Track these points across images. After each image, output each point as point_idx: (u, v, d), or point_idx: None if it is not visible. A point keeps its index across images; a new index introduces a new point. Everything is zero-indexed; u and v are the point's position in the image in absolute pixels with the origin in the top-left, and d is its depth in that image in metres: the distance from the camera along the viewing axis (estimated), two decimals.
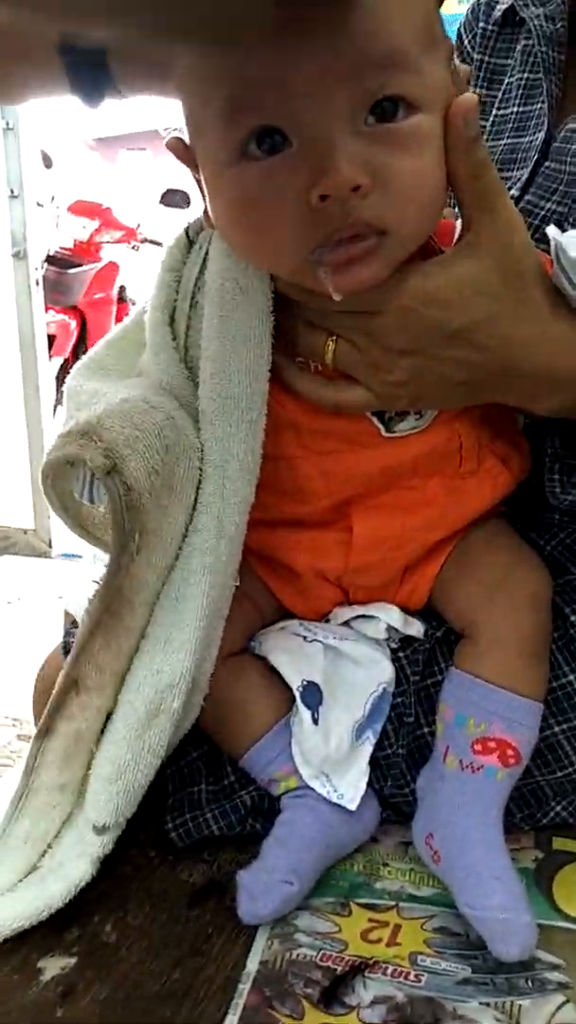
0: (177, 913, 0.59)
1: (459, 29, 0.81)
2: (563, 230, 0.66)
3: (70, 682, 0.57)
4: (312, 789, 0.61)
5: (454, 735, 0.60)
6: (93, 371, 0.62)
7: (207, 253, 0.56)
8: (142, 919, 0.58)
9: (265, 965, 0.54)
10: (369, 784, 0.62)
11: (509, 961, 0.53)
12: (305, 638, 0.65)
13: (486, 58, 0.77)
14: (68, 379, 0.62)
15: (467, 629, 0.63)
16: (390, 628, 0.65)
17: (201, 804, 0.65)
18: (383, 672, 0.64)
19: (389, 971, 0.54)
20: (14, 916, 0.56)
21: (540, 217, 0.68)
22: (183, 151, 0.51)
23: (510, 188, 0.71)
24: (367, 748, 0.62)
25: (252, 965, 0.54)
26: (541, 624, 0.62)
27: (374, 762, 0.63)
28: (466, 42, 0.79)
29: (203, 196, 0.52)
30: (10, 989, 0.53)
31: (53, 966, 0.54)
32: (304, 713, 0.61)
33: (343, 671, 0.64)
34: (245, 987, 0.52)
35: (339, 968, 0.54)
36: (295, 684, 0.62)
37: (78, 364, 0.63)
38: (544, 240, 0.68)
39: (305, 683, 0.62)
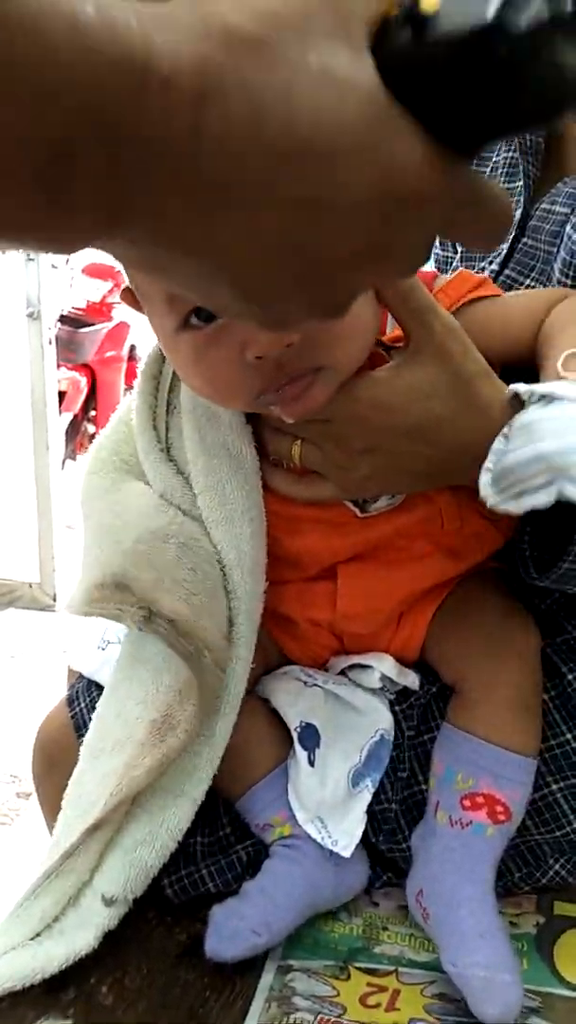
0: (174, 975, 0.58)
1: None
2: None
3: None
4: (304, 841, 0.61)
5: (444, 790, 0.61)
6: (104, 462, 0.66)
7: None
8: (139, 981, 0.58)
9: None
10: (361, 840, 0.62)
11: (492, 1022, 0.53)
12: (305, 683, 0.66)
13: None
14: (83, 477, 0.66)
15: (458, 684, 0.63)
16: (384, 678, 0.66)
17: (196, 859, 0.65)
18: (381, 719, 0.64)
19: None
20: (8, 976, 0.56)
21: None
22: (135, 303, 0.54)
23: (490, 262, 0.74)
24: (365, 797, 0.62)
25: None
26: (531, 679, 0.62)
27: (369, 815, 0.63)
28: None
29: None
30: None
31: None
32: (301, 754, 0.62)
33: (342, 716, 0.64)
34: None
35: None
36: (293, 725, 0.63)
37: (88, 460, 0.67)
38: None
39: (303, 724, 0.63)
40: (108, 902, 0.59)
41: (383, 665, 0.66)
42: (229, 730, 0.61)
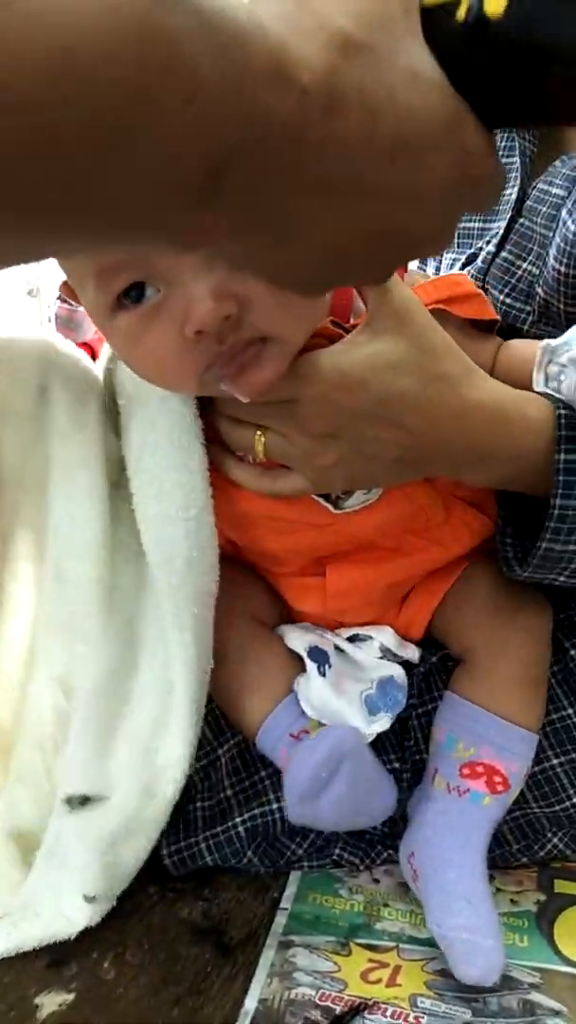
0: (176, 951, 0.58)
1: None
2: (535, 292, 0.69)
3: None
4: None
5: (443, 757, 0.61)
6: None
7: None
8: (141, 957, 0.58)
9: (264, 1003, 0.54)
10: (374, 855, 0.64)
11: (471, 983, 0.54)
12: (317, 634, 0.66)
13: None
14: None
15: (465, 654, 0.64)
16: (384, 648, 0.66)
17: (195, 827, 0.65)
18: (392, 668, 0.64)
19: (389, 1012, 0.54)
20: None
21: (517, 277, 0.70)
22: (72, 294, 0.53)
23: (488, 241, 0.73)
24: (382, 725, 0.62)
25: (251, 1003, 0.54)
26: (540, 655, 0.62)
27: None
28: None
29: None
30: None
31: (51, 1003, 0.54)
32: (311, 667, 0.62)
33: (351, 659, 0.65)
34: None
35: (338, 1008, 0.54)
36: (302, 649, 0.63)
37: None
38: (521, 296, 0.70)
39: (312, 647, 0.63)
40: (89, 900, 0.59)
41: (383, 636, 0.66)
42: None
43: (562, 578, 0.58)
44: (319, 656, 0.63)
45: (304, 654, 0.63)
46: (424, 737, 0.65)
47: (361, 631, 0.66)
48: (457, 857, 0.58)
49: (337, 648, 0.65)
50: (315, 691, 0.61)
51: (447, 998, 0.55)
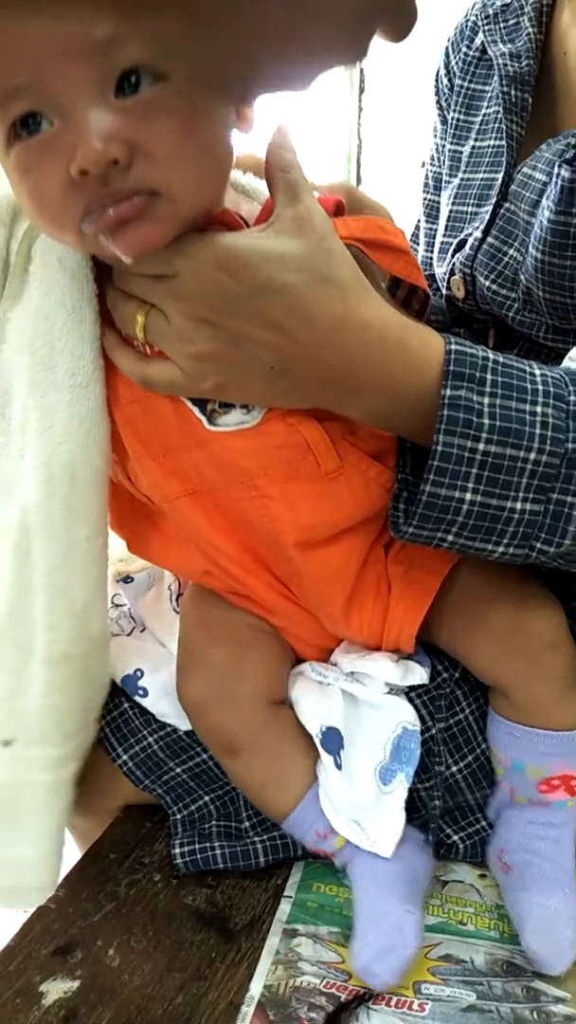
0: (181, 938, 0.59)
1: (447, 46, 0.82)
2: (519, 279, 0.67)
3: None
4: None
5: (517, 779, 0.62)
6: None
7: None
8: (146, 943, 0.58)
9: (269, 989, 0.54)
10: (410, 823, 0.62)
11: (538, 959, 0.56)
12: (321, 682, 0.65)
13: (465, 84, 0.78)
14: None
15: (496, 685, 0.63)
16: (389, 684, 0.64)
17: (211, 838, 0.65)
18: (402, 712, 0.63)
19: (392, 1002, 0.54)
20: None
21: (503, 263, 0.69)
22: None
23: (479, 226, 0.72)
24: (400, 793, 0.61)
25: (256, 989, 0.54)
26: (566, 659, 0.61)
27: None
28: (452, 62, 0.80)
29: None
30: (12, 1013, 0.53)
31: (56, 990, 0.54)
32: (326, 759, 0.61)
33: (362, 714, 0.64)
34: (249, 1011, 0.52)
35: (343, 996, 0.54)
36: (314, 731, 0.62)
37: None
38: (506, 283, 0.69)
39: (325, 729, 0.62)
40: None
41: (383, 672, 0.64)
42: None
43: (450, 538, 0.53)
44: (332, 743, 0.62)
45: (318, 742, 0.61)
46: (450, 751, 0.64)
47: (359, 666, 0.64)
48: (551, 852, 0.59)
49: (345, 694, 0.64)
50: (332, 787, 0.60)
51: (452, 982, 0.55)
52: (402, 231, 0.58)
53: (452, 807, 0.65)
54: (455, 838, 0.65)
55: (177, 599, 0.73)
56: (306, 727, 0.63)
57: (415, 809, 0.64)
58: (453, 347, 0.51)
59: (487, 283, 0.71)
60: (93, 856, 0.66)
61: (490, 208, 0.71)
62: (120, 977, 0.55)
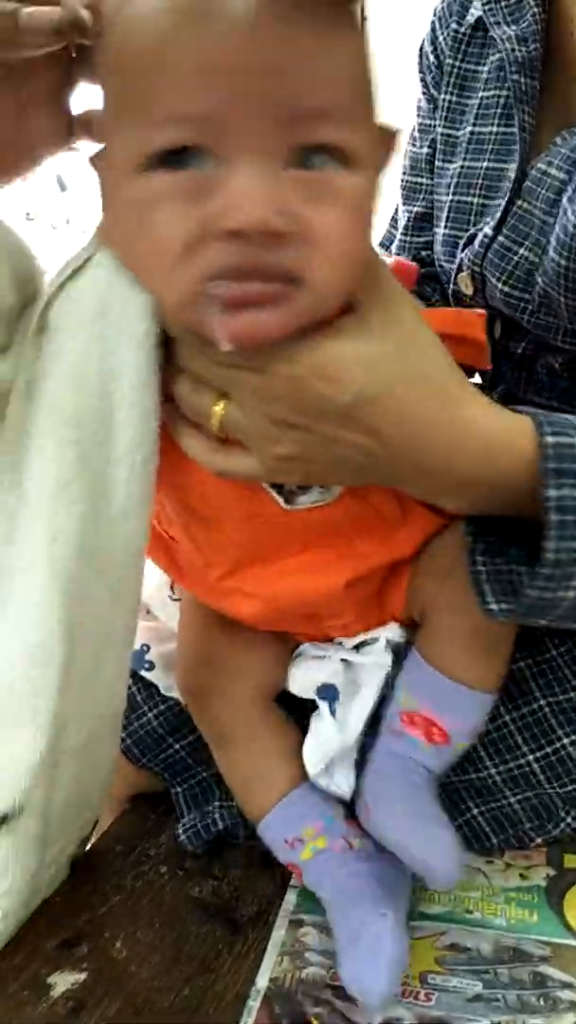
0: (187, 930, 0.59)
1: (433, 21, 0.78)
2: (535, 281, 0.65)
3: None
4: (342, 851, 0.60)
5: (391, 707, 0.61)
6: None
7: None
8: (152, 935, 0.58)
9: (275, 982, 0.54)
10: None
11: (436, 887, 0.55)
12: (320, 657, 0.65)
13: (456, 63, 0.74)
14: None
15: (421, 617, 0.62)
16: (392, 641, 0.64)
17: (210, 797, 0.66)
18: (385, 660, 0.64)
19: (399, 992, 0.54)
20: None
21: (513, 263, 0.66)
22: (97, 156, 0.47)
23: (489, 223, 0.69)
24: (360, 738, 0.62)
25: (262, 982, 0.54)
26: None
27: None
28: (439, 38, 0.77)
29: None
30: (20, 1005, 0.53)
31: (63, 982, 0.54)
32: (323, 706, 0.61)
33: (359, 677, 0.64)
34: (255, 1004, 0.52)
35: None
36: (311, 691, 0.62)
37: None
38: (519, 284, 0.66)
39: (321, 685, 0.62)
40: None
41: (388, 631, 0.64)
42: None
43: (544, 622, 0.52)
44: (329, 693, 0.62)
45: (315, 695, 0.62)
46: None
47: (372, 634, 0.64)
48: (404, 787, 0.58)
49: (344, 662, 0.64)
50: (324, 731, 0.61)
51: (458, 972, 0.55)
52: (479, 318, 0.54)
53: (445, 783, 0.64)
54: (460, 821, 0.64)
55: (171, 586, 0.72)
56: (302, 694, 0.63)
57: None
58: (549, 439, 0.47)
59: (499, 284, 0.68)
60: (99, 848, 0.67)
61: (501, 203, 0.68)
62: (127, 969, 0.56)
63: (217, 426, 0.48)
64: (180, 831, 0.65)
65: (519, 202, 0.66)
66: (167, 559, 0.63)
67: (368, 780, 0.60)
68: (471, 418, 0.48)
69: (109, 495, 0.50)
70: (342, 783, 0.61)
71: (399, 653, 0.65)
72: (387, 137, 0.46)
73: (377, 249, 0.48)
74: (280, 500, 0.54)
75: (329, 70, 0.41)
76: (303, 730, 0.64)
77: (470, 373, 0.55)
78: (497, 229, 0.67)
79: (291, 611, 0.61)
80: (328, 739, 0.61)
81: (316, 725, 0.62)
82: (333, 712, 0.61)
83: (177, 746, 0.67)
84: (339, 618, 0.63)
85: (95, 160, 0.46)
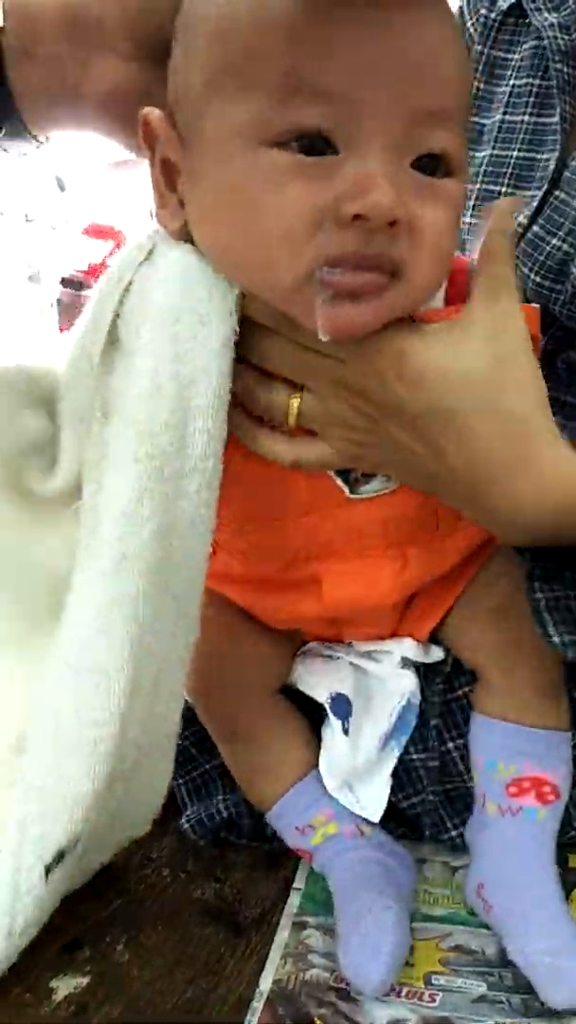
0: (190, 932, 0.59)
1: (461, 6, 0.77)
2: (569, 272, 0.64)
3: None
4: (353, 837, 0.60)
5: (488, 781, 0.60)
6: None
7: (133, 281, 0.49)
8: (155, 938, 0.58)
9: (278, 984, 0.54)
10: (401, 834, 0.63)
11: (560, 1008, 0.51)
12: (330, 657, 0.65)
13: (487, 50, 0.74)
14: None
15: (478, 671, 0.62)
16: (405, 659, 0.64)
17: (216, 789, 0.66)
18: (408, 682, 0.63)
19: (403, 992, 0.54)
20: None
21: (546, 253, 0.66)
22: (163, 123, 0.46)
23: (525, 212, 0.68)
24: (391, 759, 0.61)
25: (265, 984, 0.54)
26: (550, 655, 0.59)
27: (393, 771, 0.62)
28: (468, 24, 0.76)
29: (160, 189, 0.48)
30: (23, 1009, 0.53)
31: (66, 986, 0.54)
32: (335, 723, 0.61)
33: (370, 687, 0.64)
34: (258, 1006, 0.52)
35: (352, 990, 0.54)
36: (323, 697, 0.62)
37: None
38: (551, 274, 0.66)
39: (334, 695, 0.62)
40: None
41: (403, 648, 0.64)
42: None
43: None
44: (341, 708, 0.61)
45: (328, 706, 0.62)
46: (447, 726, 0.64)
47: (382, 646, 0.64)
48: (527, 879, 0.57)
49: (353, 666, 0.64)
50: (337, 751, 0.61)
51: (463, 972, 0.55)
52: (535, 313, 0.52)
53: (450, 789, 0.65)
54: (454, 832, 0.64)
55: None
56: (312, 696, 0.63)
57: (411, 783, 0.64)
58: None
59: (531, 275, 0.67)
60: None
61: (535, 193, 0.67)
62: (129, 972, 0.55)
63: (294, 419, 0.49)
64: (184, 822, 0.65)
65: (557, 192, 0.66)
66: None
67: (483, 870, 0.59)
68: (543, 470, 0.45)
69: (180, 508, 0.49)
70: (368, 804, 0.60)
71: (419, 670, 0.64)
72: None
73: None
74: (345, 488, 0.54)
75: (454, 74, 0.44)
76: (310, 718, 0.64)
77: None
78: (532, 219, 0.67)
79: (330, 613, 0.61)
80: (341, 758, 0.61)
81: (329, 741, 0.62)
82: (346, 731, 0.61)
83: (180, 737, 0.67)
84: (363, 627, 0.63)
85: (179, 131, 0.45)
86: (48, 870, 0.51)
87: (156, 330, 0.48)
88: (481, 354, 0.45)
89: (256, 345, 0.48)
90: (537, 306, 0.53)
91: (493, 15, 0.74)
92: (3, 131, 0.52)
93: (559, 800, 0.59)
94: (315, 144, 0.41)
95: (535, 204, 0.67)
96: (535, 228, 0.66)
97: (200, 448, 0.48)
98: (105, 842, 0.58)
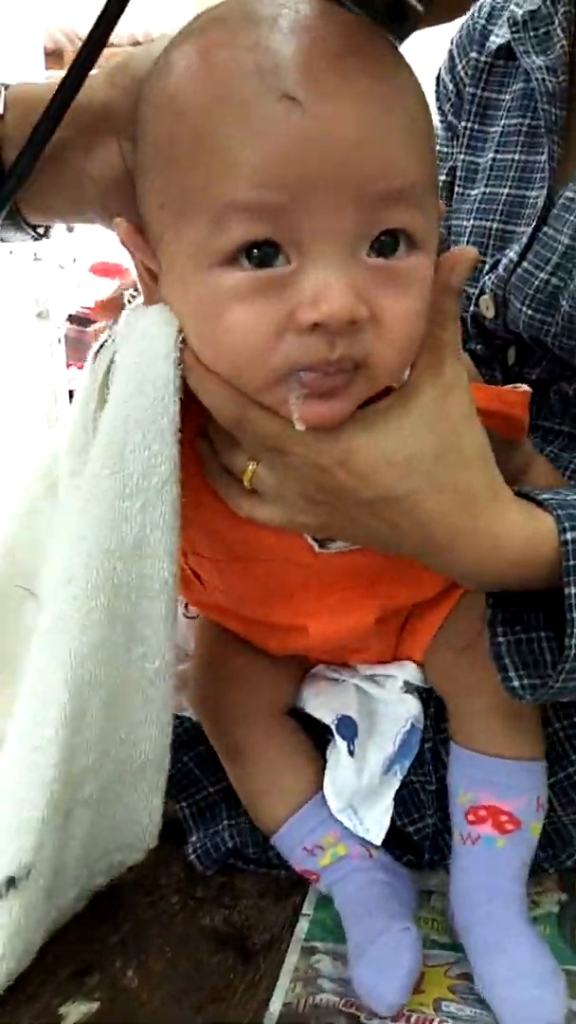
0: (198, 958, 0.58)
1: (451, 49, 0.79)
2: (559, 304, 0.66)
3: None
4: (360, 858, 0.61)
5: (454, 808, 0.60)
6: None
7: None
8: (164, 964, 0.58)
9: (288, 1008, 0.54)
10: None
11: None
12: (335, 680, 0.66)
13: (478, 92, 0.76)
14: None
15: (446, 699, 0.63)
16: (407, 683, 0.65)
17: (219, 816, 0.66)
18: (411, 707, 0.64)
19: (413, 1019, 0.53)
20: None
21: (535, 287, 0.67)
22: (131, 236, 0.47)
23: (516, 248, 0.69)
24: (394, 783, 0.62)
25: (275, 1007, 0.54)
26: None
27: (396, 799, 0.62)
28: (459, 67, 0.78)
29: (144, 282, 0.49)
30: None
31: (75, 1012, 0.54)
32: (341, 744, 0.61)
33: (375, 711, 0.64)
34: None
35: (362, 1015, 0.53)
36: (329, 719, 0.62)
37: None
38: (542, 307, 0.67)
39: (339, 716, 0.62)
40: None
41: (405, 672, 0.65)
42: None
43: (564, 699, 0.55)
44: (348, 730, 0.62)
45: (333, 728, 0.62)
46: (445, 751, 0.64)
47: (384, 670, 0.65)
48: (487, 911, 0.56)
49: (358, 689, 0.64)
50: (342, 773, 0.61)
51: (471, 1001, 0.54)
52: (522, 398, 0.54)
53: (448, 815, 0.64)
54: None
55: (187, 605, 0.73)
56: (318, 717, 0.63)
57: (414, 808, 0.64)
58: (570, 535, 0.48)
59: (523, 307, 0.69)
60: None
61: (524, 229, 0.69)
62: (139, 998, 0.55)
63: (248, 484, 0.49)
64: (189, 852, 0.65)
65: (545, 228, 0.68)
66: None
67: (454, 899, 0.59)
68: (497, 532, 0.47)
69: (121, 531, 0.48)
70: (371, 827, 0.61)
71: (421, 695, 0.65)
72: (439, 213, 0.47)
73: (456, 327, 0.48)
74: (314, 544, 0.55)
75: (404, 147, 0.41)
76: (317, 739, 0.65)
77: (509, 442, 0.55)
78: (522, 255, 0.69)
79: (321, 647, 0.61)
80: (346, 780, 0.61)
81: (334, 762, 0.62)
82: (352, 752, 0.61)
83: (185, 758, 0.67)
84: (364, 652, 0.64)
85: (155, 250, 0.46)
86: None
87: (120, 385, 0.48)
88: (425, 437, 0.46)
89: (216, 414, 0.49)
90: (528, 390, 0.54)
91: (483, 58, 0.76)
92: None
93: (519, 829, 0.58)
94: (265, 255, 0.41)
95: (525, 240, 0.69)
96: (525, 263, 0.68)
97: (140, 466, 0.47)
98: (94, 867, 0.58)
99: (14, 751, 0.51)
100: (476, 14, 0.78)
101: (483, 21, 0.77)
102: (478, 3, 0.77)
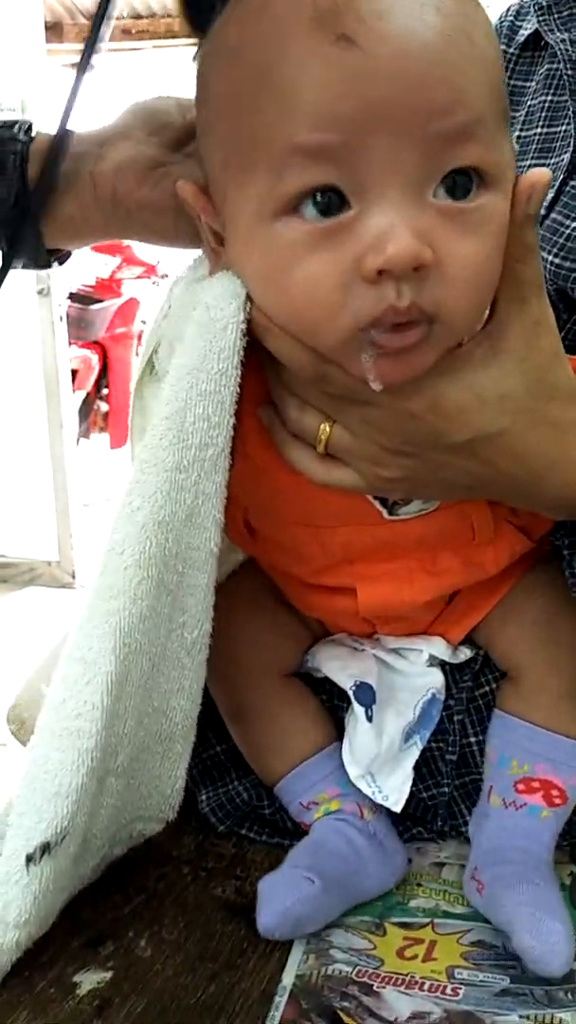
0: (211, 928, 0.59)
1: None
2: None
3: None
4: (351, 817, 0.61)
5: (498, 776, 0.61)
6: None
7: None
8: (177, 934, 0.58)
9: (301, 979, 0.54)
10: (402, 831, 0.63)
11: (539, 968, 0.52)
12: (356, 648, 0.66)
13: (508, 82, 0.78)
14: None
15: (512, 671, 0.63)
16: (433, 657, 0.65)
17: (231, 771, 0.66)
18: (434, 679, 0.64)
19: (426, 986, 0.54)
20: None
21: (565, 236, 0.68)
22: (197, 197, 0.47)
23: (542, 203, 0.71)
24: (414, 752, 0.62)
25: (288, 979, 0.54)
26: None
27: (415, 764, 0.63)
28: None
29: (211, 246, 0.48)
30: (46, 1004, 0.53)
31: (89, 980, 0.54)
32: (359, 710, 0.62)
33: (395, 680, 0.64)
34: (282, 1000, 0.52)
35: (375, 984, 0.54)
36: (347, 684, 0.62)
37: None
38: (571, 255, 0.68)
39: (358, 683, 0.62)
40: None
41: (433, 647, 0.65)
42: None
43: None
44: (366, 696, 0.62)
45: (351, 694, 0.62)
46: (472, 722, 0.65)
47: (411, 643, 0.65)
48: (520, 862, 0.57)
49: (379, 660, 0.64)
50: (360, 739, 0.61)
51: (484, 967, 0.55)
52: None
53: (468, 782, 0.65)
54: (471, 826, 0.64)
55: None
56: (338, 683, 0.63)
57: (430, 775, 0.65)
58: None
59: (550, 257, 0.68)
60: None
61: (553, 188, 0.69)
62: (152, 967, 0.55)
63: (322, 448, 0.48)
64: (203, 806, 0.66)
65: (572, 182, 0.69)
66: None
67: (479, 856, 0.60)
68: None
69: (176, 502, 0.48)
70: (391, 794, 0.61)
71: (445, 669, 0.65)
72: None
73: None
74: (383, 510, 0.54)
75: (471, 77, 0.39)
76: (322, 698, 0.65)
77: None
78: (550, 207, 0.69)
79: (365, 610, 0.61)
80: (365, 746, 0.61)
81: (352, 728, 0.62)
82: (370, 718, 0.61)
83: None
84: (398, 624, 0.64)
85: (219, 211, 0.45)
86: (31, 860, 0.50)
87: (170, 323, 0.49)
88: (519, 370, 0.45)
89: (292, 376, 0.48)
90: None
91: (512, 49, 0.78)
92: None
93: (565, 805, 0.59)
94: (329, 203, 0.40)
95: (551, 197, 0.70)
96: (553, 215, 0.69)
97: (198, 437, 0.47)
98: (116, 836, 0.59)
99: (50, 717, 0.51)
100: (505, 14, 0.80)
101: (511, 19, 0.79)
102: (507, 5, 0.80)
